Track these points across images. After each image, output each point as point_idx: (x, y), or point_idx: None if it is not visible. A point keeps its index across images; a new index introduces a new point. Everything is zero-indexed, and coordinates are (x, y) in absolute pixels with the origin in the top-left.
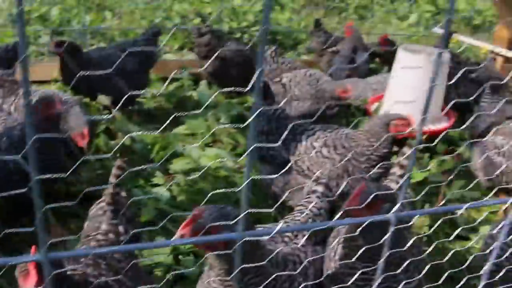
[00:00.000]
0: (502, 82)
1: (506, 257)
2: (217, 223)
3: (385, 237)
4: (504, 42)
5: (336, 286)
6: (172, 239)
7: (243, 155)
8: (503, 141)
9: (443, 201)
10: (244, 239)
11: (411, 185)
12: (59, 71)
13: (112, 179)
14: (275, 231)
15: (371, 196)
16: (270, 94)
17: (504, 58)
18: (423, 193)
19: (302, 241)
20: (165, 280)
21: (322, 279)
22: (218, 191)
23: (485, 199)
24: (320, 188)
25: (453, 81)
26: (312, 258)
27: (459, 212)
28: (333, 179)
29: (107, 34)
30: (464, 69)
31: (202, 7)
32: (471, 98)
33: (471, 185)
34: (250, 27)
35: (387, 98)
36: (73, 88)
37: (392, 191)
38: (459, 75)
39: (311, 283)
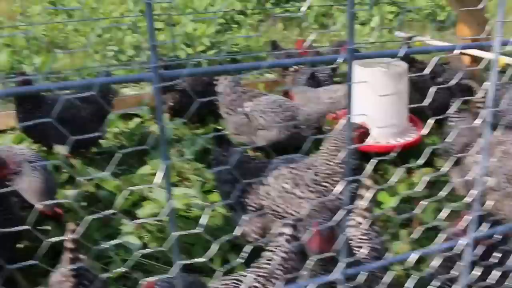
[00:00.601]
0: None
1: None
2: None
3: None
4: (467, 40)
5: None
6: None
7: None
8: None
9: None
10: None
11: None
12: (16, 118)
13: (67, 244)
14: None
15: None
16: (225, 139)
17: (471, 57)
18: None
19: None
20: None
21: None
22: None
23: (435, 245)
24: (287, 230)
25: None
26: None
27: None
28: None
29: (61, 74)
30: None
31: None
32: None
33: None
34: (207, 51)
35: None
36: (30, 137)
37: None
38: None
39: None
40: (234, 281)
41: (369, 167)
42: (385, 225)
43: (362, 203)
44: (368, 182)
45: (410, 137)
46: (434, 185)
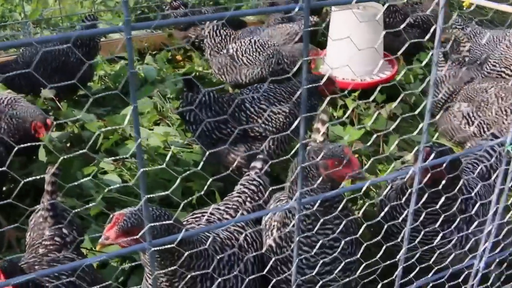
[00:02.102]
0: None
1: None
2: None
3: (292, 223)
4: None
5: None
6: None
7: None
8: (468, 109)
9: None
10: (153, 249)
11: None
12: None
13: (47, 187)
14: (179, 237)
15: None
16: (194, 83)
17: None
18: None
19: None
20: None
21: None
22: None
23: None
24: (258, 164)
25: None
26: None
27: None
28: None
29: (51, 20)
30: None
31: None
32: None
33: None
34: None
35: (327, 54)
36: (13, 87)
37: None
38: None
39: (251, 264)
40: (205, 214)
41: (325, 103)
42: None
43: (319, 137)
44: (324, 117)
45: (385, 74)
46: (401, 119)
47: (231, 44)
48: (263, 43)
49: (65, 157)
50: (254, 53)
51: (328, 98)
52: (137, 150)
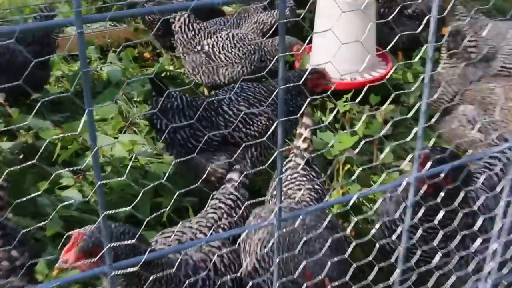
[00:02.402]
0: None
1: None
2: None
3: (272, 241)
4: None
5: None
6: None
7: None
8: (474, 113)
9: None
10: (114, 273)
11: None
12: None
13: None
14: (143, 259)
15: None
16: (159, 86)
17: None
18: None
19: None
20: None
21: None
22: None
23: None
24: (235, 176)
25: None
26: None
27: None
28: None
29: (1, 14)
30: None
31: None
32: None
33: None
34: None
35: (313, 49)
36: None
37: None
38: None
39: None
40: (177, 232)
41: (307, 104)
42: (346, 166)
43: (302, 144)
44: (307, 121)
45: (378, 73)
46: (399, 124)
47: (206, 39)
48: (242, 38)
49: (14, 168)
50: (233, 50)
51: (308, 99)
52: (92, 159)
